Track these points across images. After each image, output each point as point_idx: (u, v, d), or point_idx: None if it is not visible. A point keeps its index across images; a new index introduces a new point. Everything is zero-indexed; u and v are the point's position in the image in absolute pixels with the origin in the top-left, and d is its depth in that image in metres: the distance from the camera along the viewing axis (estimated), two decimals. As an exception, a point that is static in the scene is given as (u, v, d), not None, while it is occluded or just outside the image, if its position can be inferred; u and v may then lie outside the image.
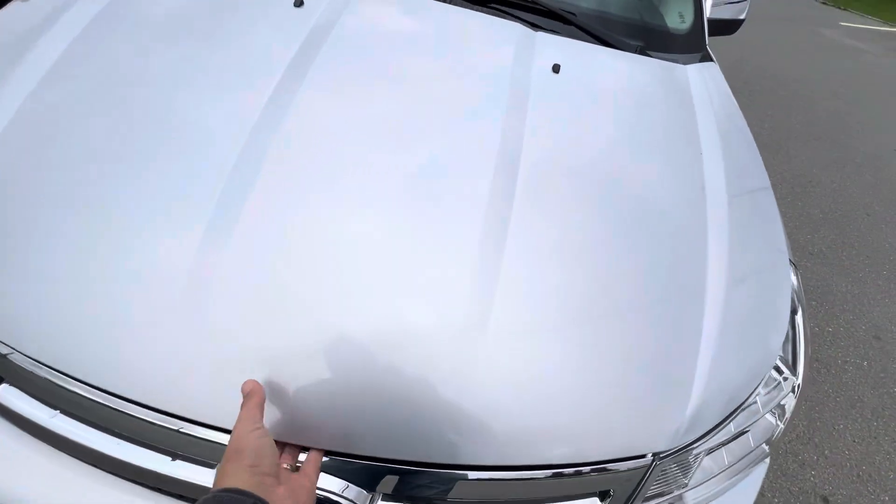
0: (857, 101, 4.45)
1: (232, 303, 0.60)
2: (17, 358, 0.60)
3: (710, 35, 1.40)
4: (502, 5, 1.13)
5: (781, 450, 1.54)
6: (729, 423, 0.71)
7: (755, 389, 0.74)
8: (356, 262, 0.65)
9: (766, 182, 1.04)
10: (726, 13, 1.55)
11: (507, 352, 0.63)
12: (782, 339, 0.79)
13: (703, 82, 1.17)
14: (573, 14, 1.14)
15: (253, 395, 0.53)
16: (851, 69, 5.35)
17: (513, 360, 0.63)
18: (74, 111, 0.74)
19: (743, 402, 0.73)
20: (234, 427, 0.50)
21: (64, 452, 0.63)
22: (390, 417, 0.59)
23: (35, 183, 0.67)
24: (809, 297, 2.18)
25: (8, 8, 0.94)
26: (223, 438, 0.57)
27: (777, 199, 1.03)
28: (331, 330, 0.61)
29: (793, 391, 0.78)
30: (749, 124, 1.20)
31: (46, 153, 0.70)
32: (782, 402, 0.77)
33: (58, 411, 0.62)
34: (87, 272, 0.61)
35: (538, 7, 1.13)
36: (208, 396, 0.58)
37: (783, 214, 1.00)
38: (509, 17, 1.11)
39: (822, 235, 2.59)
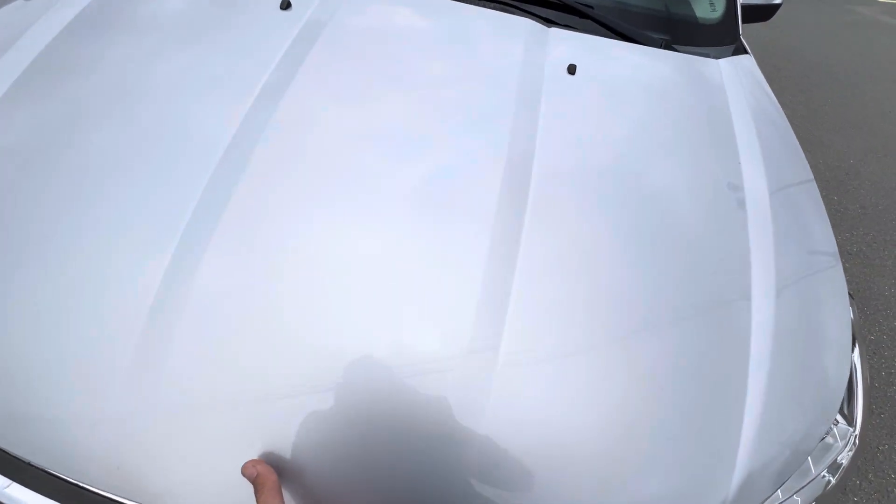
0: (897, 84, 4.17)
1: (199, 358, 0.52)
2: None
3: (743, 23, 1.27)
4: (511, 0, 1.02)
5: (820, 474, 1.42)
6: (776, 490, 0.61)
7: (813, 449, 0.64)
8: (346, 291, 0.57)
9: (815, 189, 0.93)
10: (761, -3, 1.41)
11: (520, 385, 0.55)
12: (846, 380, 0.68)
13: (738, 77, 1.05)
14: (590, 7, 1.03)
15: (265, 482, 0.44)
16: (890, 49, 5.03)
17: (527, 397, 0.55)
18: (34, 124, 0.67)
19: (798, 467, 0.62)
20: None
21: None
22: (403, 475, 0.51)
23: None
24: (849, 303, 2.02)
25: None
26: None
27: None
28: (328, 375, 0.53)
29: (850, 445, 0.68)
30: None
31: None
32: (839, 460, 0.67)
33: (12, 482, 0.55)
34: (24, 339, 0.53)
35: (551, 0, 1.02)
36: (200, 487, 0.50)
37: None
38: (519, 12, 1.00)
39: (861, 233, 2.41)
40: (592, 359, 0.58)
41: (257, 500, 0.43)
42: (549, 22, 1.00)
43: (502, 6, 1.00)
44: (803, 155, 0.98)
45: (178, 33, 0.82)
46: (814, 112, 3.49)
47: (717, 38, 1.14)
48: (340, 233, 0.62)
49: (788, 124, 1.05)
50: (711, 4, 1.19)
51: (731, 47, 1.15)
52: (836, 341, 0.71)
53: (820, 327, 0.72)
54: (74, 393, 0.51)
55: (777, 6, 1.44)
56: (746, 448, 0.57)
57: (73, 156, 0.64)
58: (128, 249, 0.57)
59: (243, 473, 0.45)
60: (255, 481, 0.44)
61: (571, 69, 0.89)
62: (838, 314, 0.73)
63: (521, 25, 0.96)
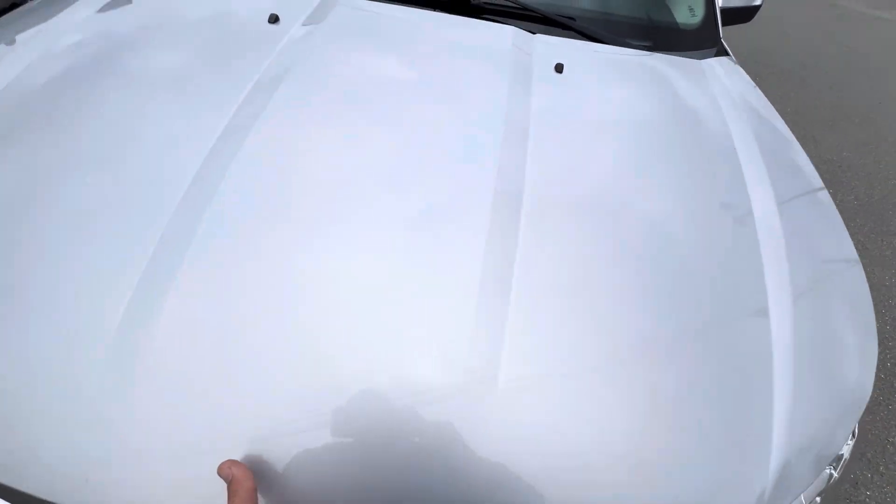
0: (885, 76, 4.20)
1: (175, 373, 0.51)
2: None
3: (723, 25, 1.29)
4: (494, 14, 1.05)
5: (831, 469, 1.41)
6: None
7: (849, 435, 0.63)
8: (337, 320, 0.56)
9: (819, 182, 0.92)
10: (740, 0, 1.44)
11: (522, 410, 0.53)
12: (870, 388, 0.66)
13: (727, 79, 1.07)
14: (572, 19, 1.05)
15: (239, 489, 0.41)
16: (876, 41, 5.08)
17: (528, 422, 0.53)
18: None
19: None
20: None
21: None
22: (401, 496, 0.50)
23: None
24: (850, 295, 2.02)
25: None
26: None
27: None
28: (319, 397, 0.52)
29: (850, 436, 0.68)
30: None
31: None
32: (840, 452, 0.67)
33: None
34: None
35: (533, 14, 1.05)
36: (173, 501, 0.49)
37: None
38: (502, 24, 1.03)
39: (858, 225, 2.42)
40: (598, 382, 0.56)
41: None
42: (532, 33, 1.02)
43: (486, 19, 1.03)
44: (805, 153, 0.97)
45: (164, 52, 0.82)
46: (805, 107, 3.52)
47: (698, 43, 1.16)
48: (333, 260, 0.60)
49: (783, 122, 1.05)
50: (691, 9, 1.21)
51: (713, 50, 1.17)
52: (859, 348, 0.69)
53: (842, 336, 0.70)
54: (41, 408, 0.50)
55: (757, 7, 1.47)
56: (777, 461, 0.57)
57: (32, 191, 0.62)
58: (90, 285, 0.55)
59: (219, 473, 0.42)
60: (230, 485, 0.42)
61: (559, 68, 0.90)
62: (861, 320, 0.71)
63: (508, 34, 0.98)
